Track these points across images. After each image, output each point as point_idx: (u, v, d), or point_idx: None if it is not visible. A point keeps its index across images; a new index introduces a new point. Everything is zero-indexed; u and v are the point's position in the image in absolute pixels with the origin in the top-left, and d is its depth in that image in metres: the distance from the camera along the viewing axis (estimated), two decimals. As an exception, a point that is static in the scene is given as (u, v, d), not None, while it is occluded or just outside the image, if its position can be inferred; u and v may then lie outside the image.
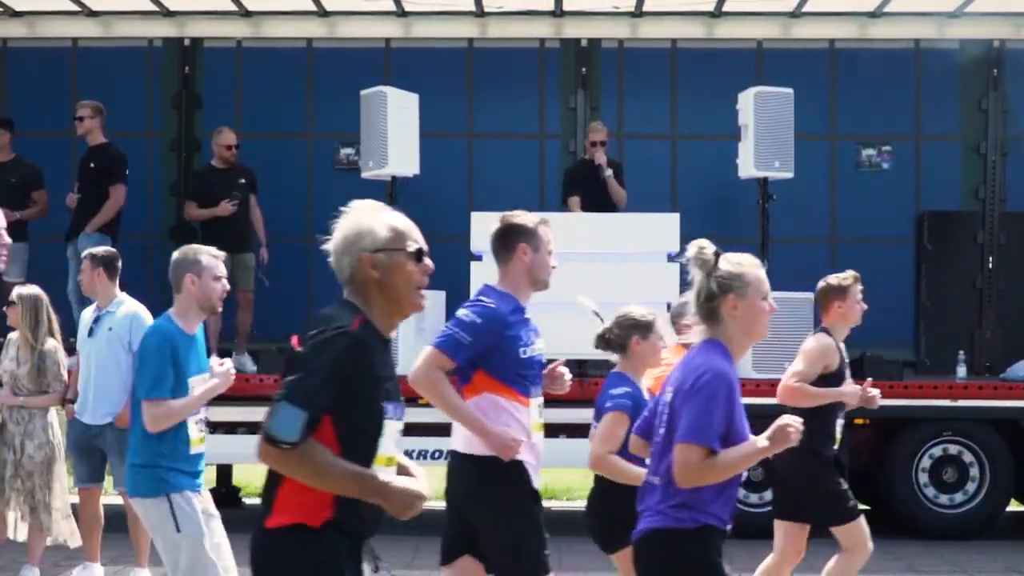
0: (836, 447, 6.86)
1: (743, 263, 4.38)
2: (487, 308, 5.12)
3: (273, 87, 11.93)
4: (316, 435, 3.42)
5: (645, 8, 11.49)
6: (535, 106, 11.94)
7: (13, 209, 11.06)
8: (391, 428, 3.60)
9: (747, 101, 10.57)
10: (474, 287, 10.18)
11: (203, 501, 5.79)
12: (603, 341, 5.87)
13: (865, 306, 7.00)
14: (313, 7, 11.56)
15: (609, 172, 10.92)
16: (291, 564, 3.49)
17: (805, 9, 11.45)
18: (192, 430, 5.78)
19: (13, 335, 8.28)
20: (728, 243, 11.76)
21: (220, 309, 5.97)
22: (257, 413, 10.48)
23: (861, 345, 10.70)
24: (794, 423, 4.22)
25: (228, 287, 5.97)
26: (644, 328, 5.85)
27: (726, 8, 11.48)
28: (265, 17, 11.85)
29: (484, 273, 10.48)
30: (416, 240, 3.68)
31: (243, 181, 11.06)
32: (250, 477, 13.29)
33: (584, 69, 11.92)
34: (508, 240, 5.33)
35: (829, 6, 11.52)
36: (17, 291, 8.30)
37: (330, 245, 3.70)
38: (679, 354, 6.17)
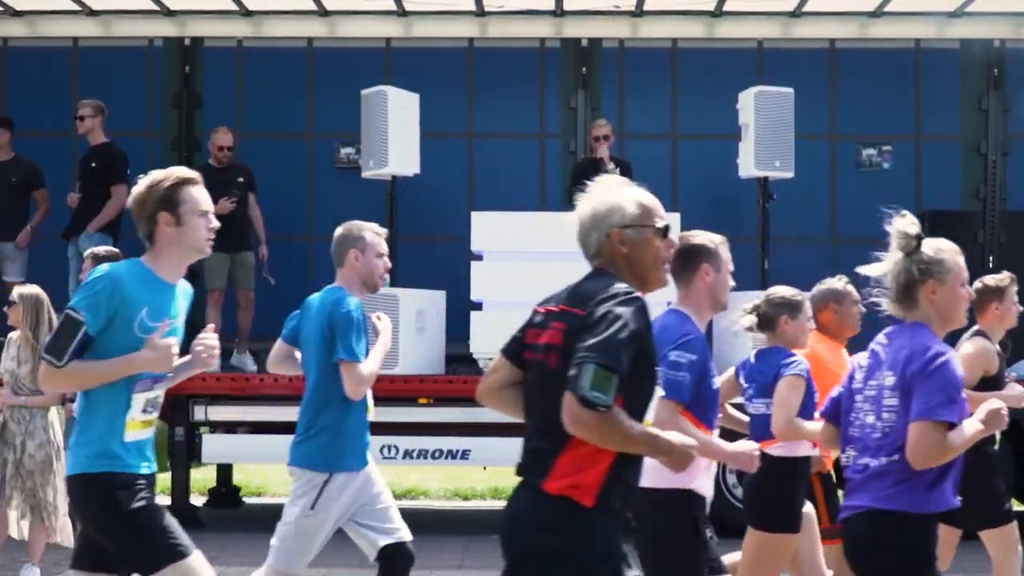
0: (996, 447, 6.80)
1: (944, 249, 4.45)
2: (694, 342, 4.82)
3: (273, 87, 11.93)
4: None
5: (646, 8, 11.49)
6: (535, 106, 11.94)
7: (14, 208, 11.11)
8: (657, 394, 3.74)
9: (748, 101, 10.56)
10: (474, 287, 10.21)
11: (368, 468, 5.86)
12: (752, 318, 5.88)
13: (1022, 308, 6.86)
14: (314, 6, 11.55)
15: (612, 166, 10.91)
16: (560, 535, 3.55)
17: (805, 9, 11.46)
18: (369, 397, 5.84)
19: (13, 335, 8.29)
20: (728, 242, 11.80)
21: (381, 287, 5.99)
22: (257, 413, 10.51)
23: (861, 346, 10.71)
24: (1003, 406, 4.26)
25: (390, 264, 6.01)
26: (794, 307, 5.91)
27: (726, 8, 11.48)
28: (266, 16, 11.85)
29: (484, 273, 10.52)
30: (662, 216, 3.77)
31: (241, 180, 11.05)
32: (250, 477, 13.32)
33: (584, 69, 11.92)
34: (690, 261, 5.02)
35: (829, 6, 11.52)
36: (17, 291, 8.30)
37: (575, 219, 3.77)
38: (819, 342, 6.19)
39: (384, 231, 6.01)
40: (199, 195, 4.51)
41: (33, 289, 8.25)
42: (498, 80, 11.95)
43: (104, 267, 4.47)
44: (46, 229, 11.08)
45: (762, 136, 10.48)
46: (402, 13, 11.69)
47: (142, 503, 4.45)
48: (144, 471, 4.52)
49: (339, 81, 11.64)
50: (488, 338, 10.02)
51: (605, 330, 3.47)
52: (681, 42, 11.95)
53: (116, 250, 8.41)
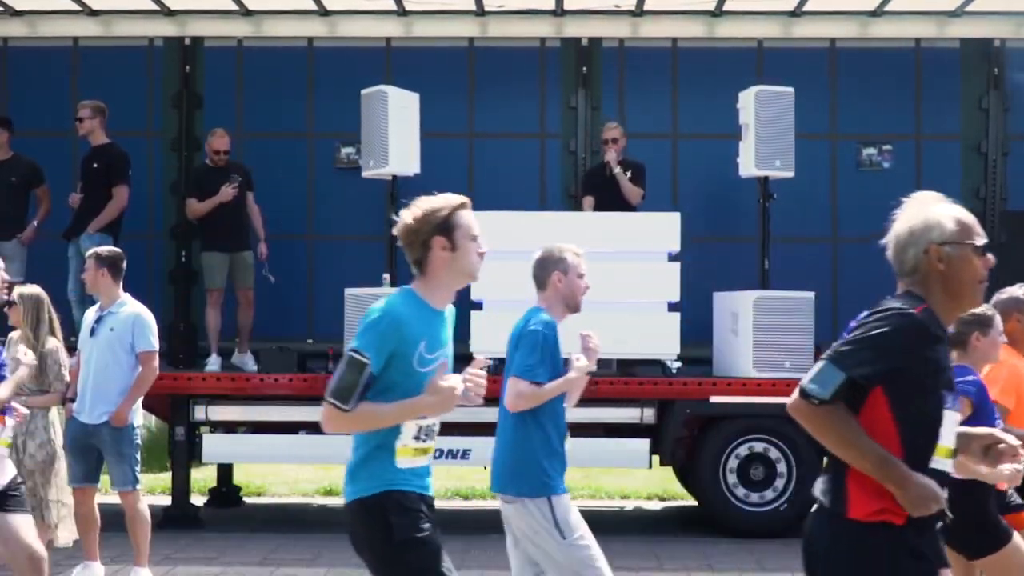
0: None
1: None
2: None
3: (274, 86, 11.92)
4: (870, 412, 3.52)
5: (646, 7, 11.48)
6: (536, 105, 11.93)
7: (14, 207, 11.10)
8: (950, 418, 3.67)
9: (748, 100, 10.56)
10: (474, 287, 10.18)
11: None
12: None
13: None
14: (314, 6, 11.55)
15: (618, 169, 10.90)
16: (882, 561, 3.53)
17: (806, 8, 11.45)
18: (563, 426, 5.80)
19: (14, 335, 8.28)
20: (728, 242, 11.82)
21: (580, 309, 5.96)
22: (257, 413, 10.51)
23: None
24: None
25: (589, 285, 5.96)
26: (985, 323, 5.87)
27: (727, 7, 11.47)
28: (266, 16, 11.84)
29: (484, 273, 10.49)
30: (981, 234, 3.72)
31: (238, 178, 11.04)
32: (250, 477, 13.31)
33: (585, 68, 11.91)
34: None
35: (830, 5, 11.51)
36: (18, 291, 8.29)
37: (891, 236, 3.75)
38: (1011, 356, 6.13)
39: (582, 251, 6.00)
40: (471, 219, 4.47)
41: (33, 289, 8.24)
42: (498, 80, 11.94)
43: (382, 304, 4.31)
44: (46, 229, 11.08)
45: (762, 136, 10.48)
46: (402, 13, 11.68)
47: (420, 534, 4.28)
48: (420, 492, 4.39)
49: (339, 81, 11.63)
50: (488, 338, 10.02)
51: (853, 335, 3.55)
52: (681, 42, 11.93)
53: (118, 250, 8.41)
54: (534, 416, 5.70)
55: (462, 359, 11.43)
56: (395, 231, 4.47)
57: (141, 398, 8.16)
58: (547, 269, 5.90)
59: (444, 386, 4.24)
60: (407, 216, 4.41)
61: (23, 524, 5.79)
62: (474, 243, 4.46)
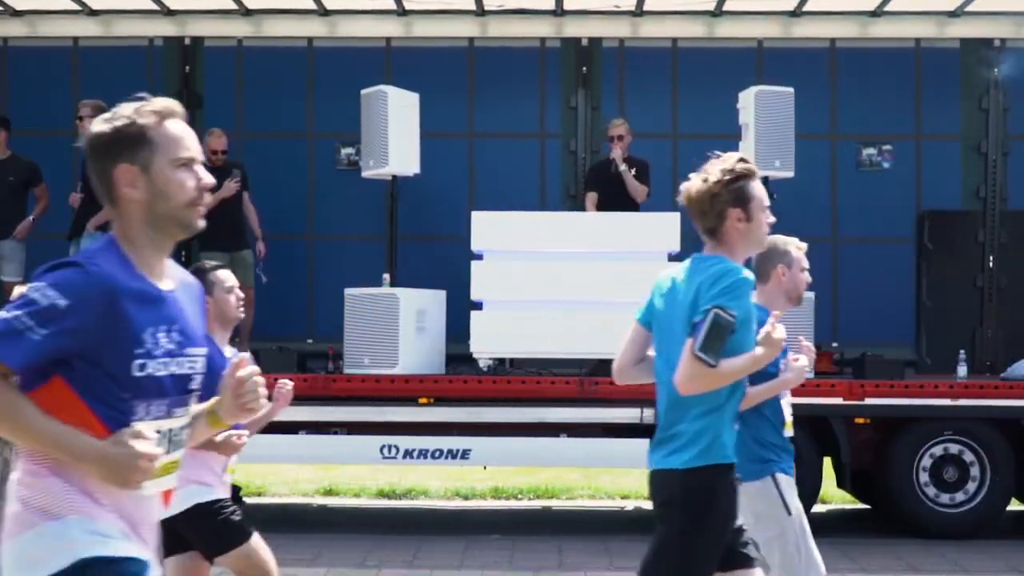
0: None
1: None
2: None
3: (273, 86, 11.93)
4: None
5: (646, 7, 11.49)
6: (536, 105, 11.94)
7: (12, 207, 11.11)
8: None
9: (748, 100, 10.56)
10: (474, 287, 10.21)
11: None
12: None
13: None
14: (314, 6, 11.56)
15: (623, 167, 10.90)
16: None
17: (806, 8, 11.46)
18: (785, 411, 5.76)
19: (13, 335, 8.27)
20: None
21: (801, 302, 5.90)
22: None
23: (862, 344, 10.70)
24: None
25: (810, 279, 5.94)
26: None
27: (727, 7, 11.48)
28: (266, 16, 11.86)
29: (484, 273, 10.53)
30: None
31: (238, 173, 11.04)
32: (250, 477, 13.31)
33: (585, 68, 11.92)
34: None
35: (830, 5, 11.52)
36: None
37: None
38: None
39: (805, 246, 5.99)
40: (762, 190, 4.49)
41: (33, 289, 8.23)
42: (498, 80, 11.95)
43: (732, 266, 4.38)
44: (47, 229, 11.08)
45: (762, 136, 10.47)
46: (402, 13, 11.69)
47: (724, 533, 4.35)
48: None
49: (339, 81, 11.64)
50: (488, 338, 10.03)
51: None
52: (681, 42, 11.94)
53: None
54: (757, 407, 5.60)
55: (462, 360, 11.42)
56: (683, 197, 4.53)
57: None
58: (772, 261, 5.89)
59: (776, 337, 4.33)
60: (702, 183, 4.45)
61: (260, 543, 5.79)
62: (764, 214, 4.50)
